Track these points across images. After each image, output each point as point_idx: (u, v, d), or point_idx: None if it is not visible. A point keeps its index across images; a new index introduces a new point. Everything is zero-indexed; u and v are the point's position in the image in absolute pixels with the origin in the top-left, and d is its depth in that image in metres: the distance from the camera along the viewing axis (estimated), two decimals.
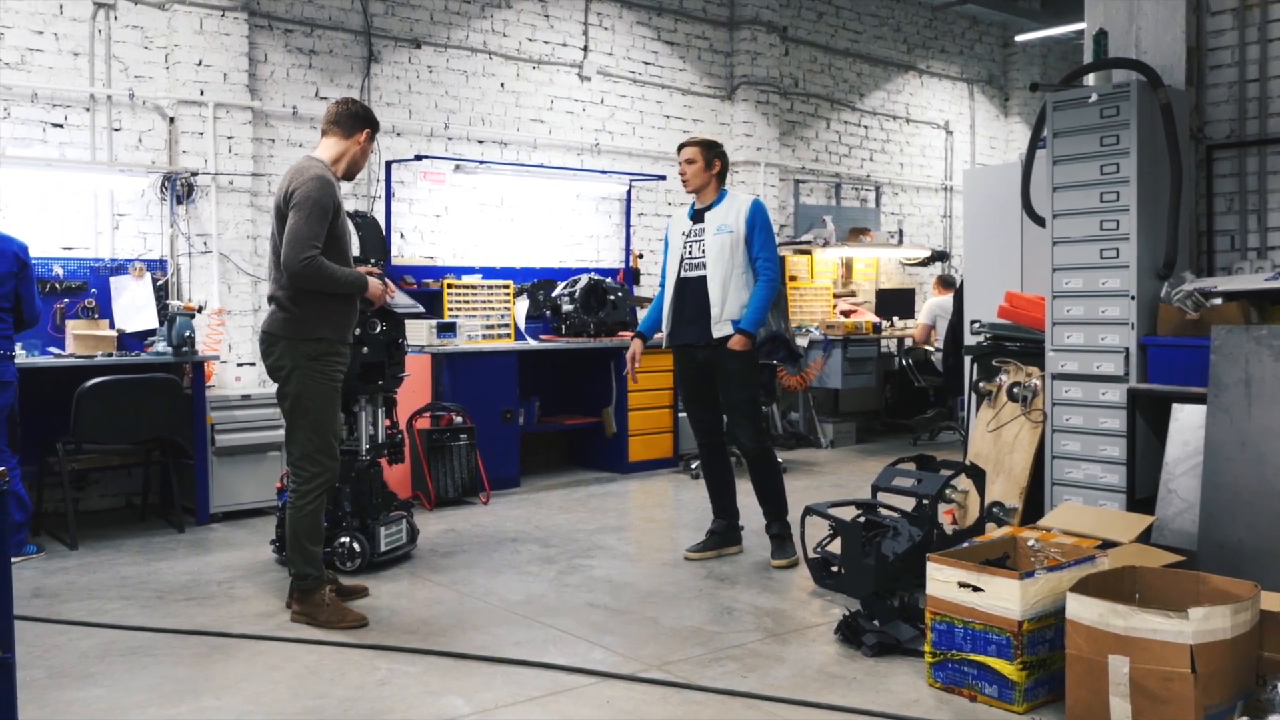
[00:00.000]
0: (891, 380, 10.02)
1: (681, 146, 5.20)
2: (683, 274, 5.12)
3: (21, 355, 5.70)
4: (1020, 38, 11.49)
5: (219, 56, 6.67)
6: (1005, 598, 3.21)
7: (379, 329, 5.07)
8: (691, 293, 5.07)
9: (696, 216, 5.15)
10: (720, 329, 4.98)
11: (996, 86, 11.98)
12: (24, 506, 5.32)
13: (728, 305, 4.97)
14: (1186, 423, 4.28)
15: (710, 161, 5.12)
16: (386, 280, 4.52)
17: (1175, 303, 4.43)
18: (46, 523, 5.98)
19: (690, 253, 5.11)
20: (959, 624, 3.33)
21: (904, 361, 9.66)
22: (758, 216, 5.03)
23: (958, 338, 7.48)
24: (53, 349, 6.07)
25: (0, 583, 2.71)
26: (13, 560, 5.14)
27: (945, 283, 9.70)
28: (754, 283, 5.01)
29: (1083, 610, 3.02)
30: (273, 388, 6.59)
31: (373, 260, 5.23)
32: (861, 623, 3.87)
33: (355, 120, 4.32)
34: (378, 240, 5.30)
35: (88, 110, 6.40)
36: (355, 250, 5.16)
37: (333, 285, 4.12)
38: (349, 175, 4.39)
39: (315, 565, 4.23)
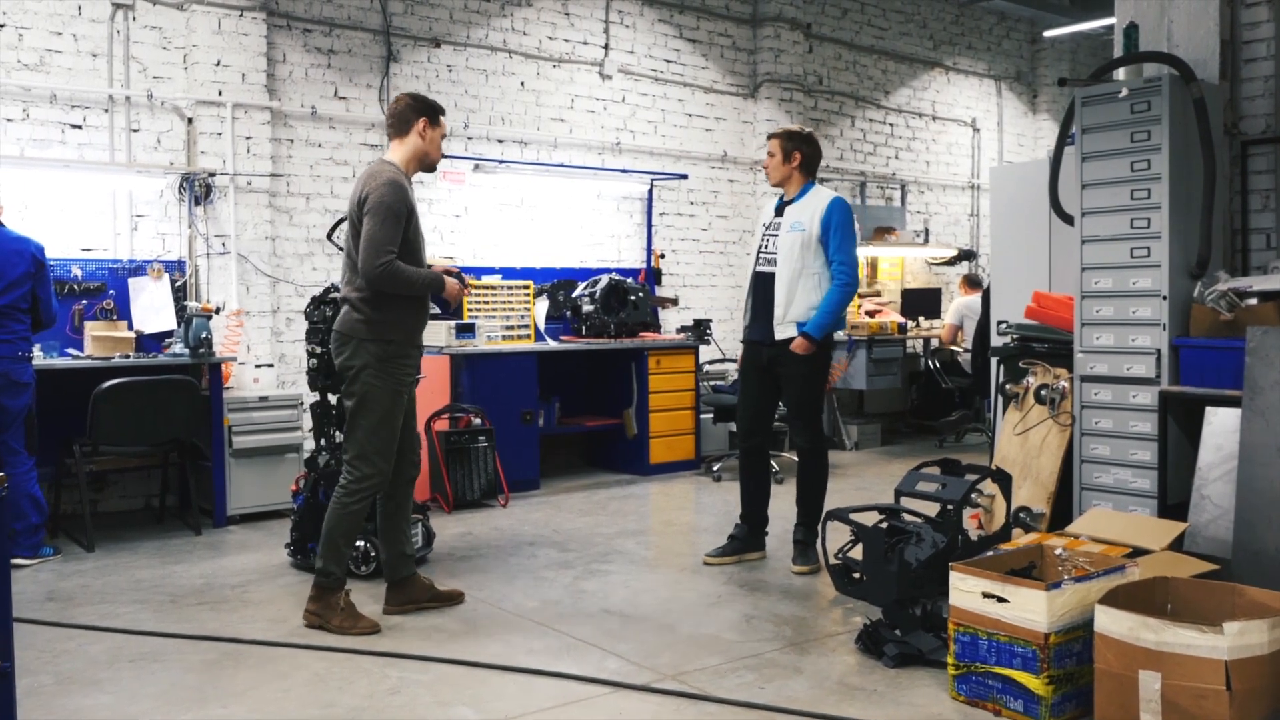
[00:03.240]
0: (917, 381, 9.88)
1: (769, 138, 5.09)
2: (757, 269, 5.02)
3: (39, 357, 5.69)
4: (1049, 33, 11.31)
5: (237, 57, 6.65)
6: (1031, 609, 3.10)
7: None
8: (762, 289, 4.97)
9: (779, 209, 5.03)
10: (783, 330, 4.86)
11: (1025, 83, 11.80)
12: (40, 509, 5.30)
13: (793, 306, 4.85)
14: (1220, 426, 4.15)
15: (788, 154, 4.95)
16: (464, 278, 4.52)
17: (1209, 303, 4.30)
18: (65, 524, 5.96)
19: (766, 247, 4.99)
20: (983, 635, 3.23)
21: (931, 363, 9.52)
22: (834, 215, 4.84)
23: (986, 338, 7.35)
24: (71, 350, 6.06)
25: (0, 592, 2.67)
26: (29, 563, 5.17)
27: (971, 282, 9.56)
28: (827, 285, 4.86)
29: (1112, 623, 2.91)
30: (291, 389, 6.67)
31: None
32: (883, 632, 3.76)
33: (405, 116, 4.31)
34: None
35: (106, 111, 6.39)
36: None
37: (410, 288, 4.15)
38: (426, 168, 4.41)
39: (341, 565, 4.19)
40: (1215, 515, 4.09)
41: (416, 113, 4.31)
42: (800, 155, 4.96)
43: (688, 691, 3.44)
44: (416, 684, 3.55)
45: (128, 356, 5.92)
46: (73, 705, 3.40)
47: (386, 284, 4.09)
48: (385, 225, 4.06)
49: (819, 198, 4.93)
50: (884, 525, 4.43)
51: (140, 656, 3.85)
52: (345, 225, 4.32)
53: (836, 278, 4.84)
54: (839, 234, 4.84)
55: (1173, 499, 4.39)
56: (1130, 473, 4.53)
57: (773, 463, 7.19)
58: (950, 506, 4.28)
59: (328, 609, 4.15)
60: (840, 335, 8.83)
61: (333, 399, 5.14)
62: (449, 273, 4.41)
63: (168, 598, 4.63)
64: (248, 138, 6.72)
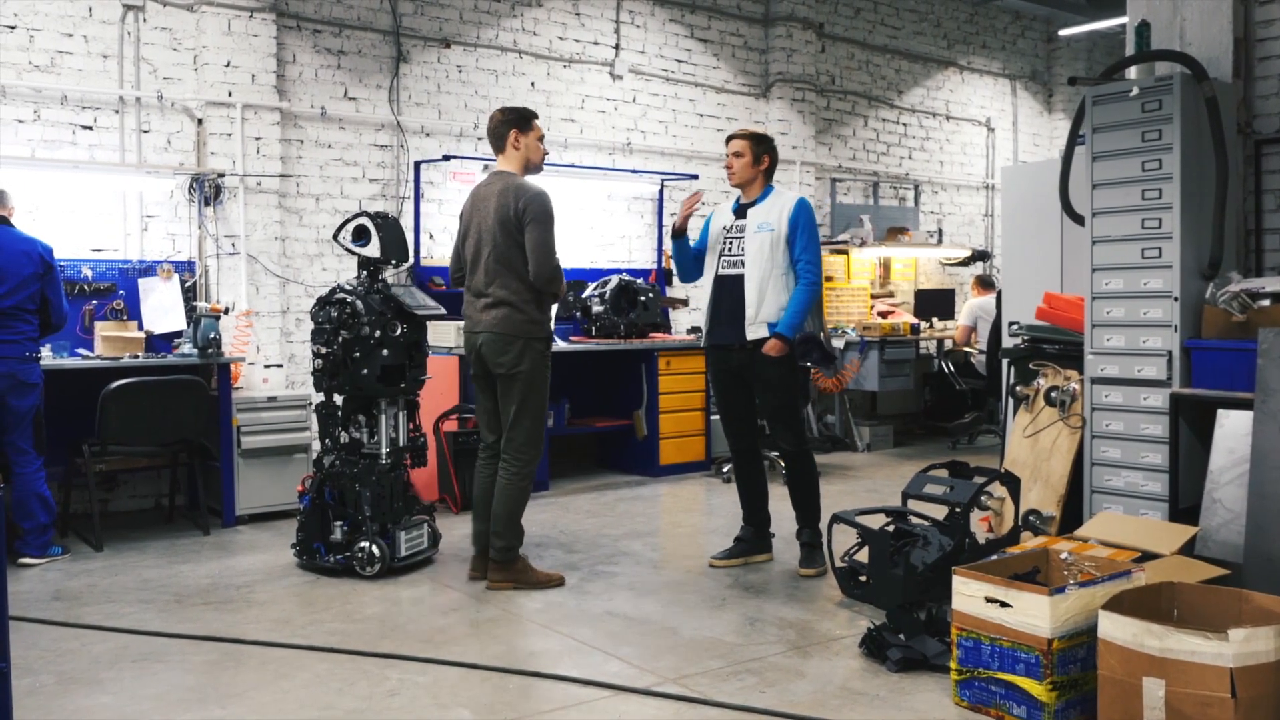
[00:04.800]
0: (930, 383, 9.82)
1: (731, 138, 5.05)
2: (720, 271, 4.98)
3: (49, 356, 5.72)
4: (1064, 32, 11.21)
5: (247, 57, 6.66)
6: (1034, 614, 3.06)
7: (400, 331, 5.00)
8: (728, 291, 4.93)
9: (740, 212, 5.00)
10: (755, 331, 4.83)
11: (1040, 82, 11.72)
12: (49, 508, 5.32)
13: (764, 307, 4.82)
14: (1232, 429, 4.09)
15: (759, 156, 4.96)
16: None
17: (1221, 304, 4.25)
18: (74, 523, 5.98)
19: (730, 249, 4.96)
20: (986, 641, 3.19)
21: (944, 364, 9.46)
22: (801, 215, 4.85)
23: (1000, 340, 7.29)
24: (82, 350, 6.08)
25: None
26: (38, 562, 5.19)
27: (984, 283, 9.49)
28: (794, 285, 4.85)
29: (1116, 629, 2.86)
30: (300, 389, 6.67)
31: (394, 262, 5.21)
32: (887, 636, 3.72)
33: (498, 132, 4.74)
34: (399, 241, 5.23)
35: (117, 112, 6.41)
36: (376, 252, 5.13)
37: (563, 287, 4.76)
38: (533, 171, 4.81)
39: (520, 536, 4.72)
40: (1227, 519, 4.03)
41: (506, 125, 4.72)
42: (769, 159, 4.99)
43: (688, 695, 3.42)
44: (416, 685, 3.53)
45: (137, 357, 5.93)
46: (73, 706, 3.40)
47: (556, 285, 4.63)
48: (551, 233, 4.57)
49: (784, 199, 4.93)
50: (890, 528, 4.40)
51: (143, 657, 3.85)
52: (486, 238, 4.59)
53: (803, 277, 4.83)
54: (805, 234, 4.84)
55: (1184, 502, 4.34)
56: (1141, 476, 4.48)
57: (780, 463, 7.19)
58: (958, 509, 4.24)
59: (519, 573, 4.67)
60: (852, 336, 8.78)
61: (338, 399, 5.14)
62: None
63: (173, 597, 4.64)
64: (257, 138, 6.73)
